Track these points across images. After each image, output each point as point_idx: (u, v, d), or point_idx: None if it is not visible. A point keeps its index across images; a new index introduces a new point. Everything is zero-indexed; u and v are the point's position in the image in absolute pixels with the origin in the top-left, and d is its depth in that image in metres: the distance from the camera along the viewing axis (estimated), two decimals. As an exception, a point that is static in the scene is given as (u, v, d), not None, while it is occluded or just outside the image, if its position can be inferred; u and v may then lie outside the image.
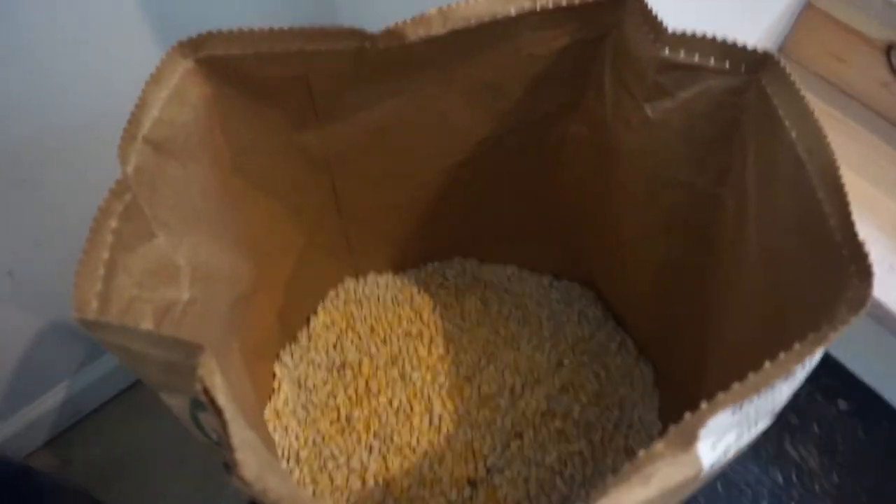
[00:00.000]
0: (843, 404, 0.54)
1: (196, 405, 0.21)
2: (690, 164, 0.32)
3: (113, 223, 0.23)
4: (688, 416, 0.18)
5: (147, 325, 0.25)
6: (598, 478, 0.39)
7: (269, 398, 0.42)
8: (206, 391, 0.19)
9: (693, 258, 0.36)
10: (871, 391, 0.54)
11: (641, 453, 0.17)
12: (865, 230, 0.22)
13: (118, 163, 0.24)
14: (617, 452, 0.41)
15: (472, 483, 0.37)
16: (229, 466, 0.18)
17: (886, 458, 0.51)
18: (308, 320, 0.46)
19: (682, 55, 0.29)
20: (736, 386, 0.18)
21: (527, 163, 0.43)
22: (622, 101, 0.34)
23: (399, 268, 0.50)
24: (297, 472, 0.38)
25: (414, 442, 0.39)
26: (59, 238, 0.56)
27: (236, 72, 0.31)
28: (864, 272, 0.21)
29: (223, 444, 0.19)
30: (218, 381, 0.20)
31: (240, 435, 0.19)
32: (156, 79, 0.27)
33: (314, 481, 0.38)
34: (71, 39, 0.46)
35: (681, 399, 0.41)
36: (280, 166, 0.36)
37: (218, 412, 0.19)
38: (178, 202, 0.29)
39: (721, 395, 0.18)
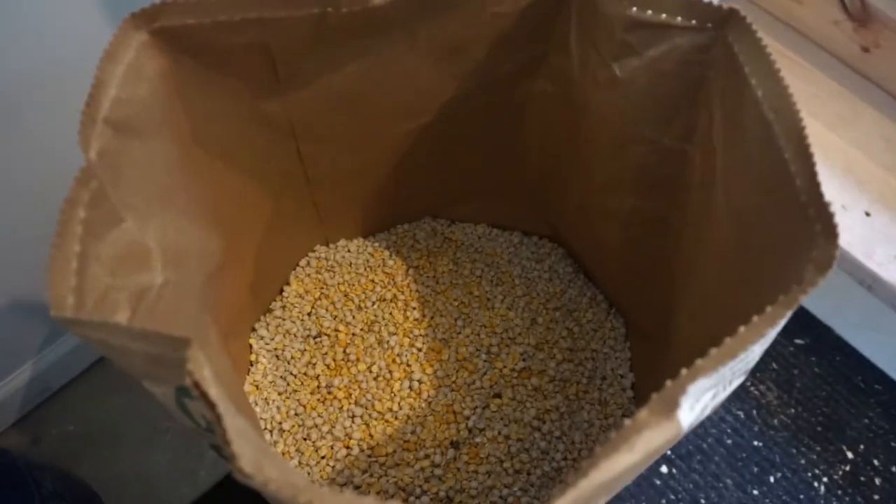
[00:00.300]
0: (798, 341, 0.57)
1: (182, 392, 0.21)
2: (657, 121, 0.33)
3: (81, 213, 0.22)
4: (669, 384, 0.19)
5: (124, 314, 0.25)
6: (575, 431, 0.41)
7: (248, 372, 0.41)
8: (196, 385, 0.19)
9: (660, 213, 0.36)
10: (824, 326, 0.57)
11: (627, 423, 0.18)
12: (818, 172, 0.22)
13: (80, 150, 0.23)
14: (592, 405, 0.42)
15: (455, 444, 0.38)
16: (219, 450, 0.18)
17: (838, 387, 0.54)
18: (281, 291, 0.46)
19: (649, 13, 0.29)
20: (713, 351, 0.19)
21: (493, 121, 0.42)
22: (589, 58, 0.34)
23: (369, 232, 0.49)
24: (280, 444, 0.38)
25: (395, 407, 0.40)
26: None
27: (193, 42, 0.29)
28: (829, 232, 0.21)
29: (215, 432, 0.19)
30: (208, 374, 0.19)
31: (233, 426, 0.19)
32: (110, 55, 0.26)
33: (298, 451, 0.38)
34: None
35: (651, 350, 0.42)
36: (243, 136, 0.35)
37: (211, 406, 0.18)
38: (143, 182, 0.28)
39: (700, 362, 0.19)
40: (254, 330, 0.43)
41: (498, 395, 0.41)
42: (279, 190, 0.40)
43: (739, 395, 0.53)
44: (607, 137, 0.35)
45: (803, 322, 0.57)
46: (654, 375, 0.41)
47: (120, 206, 0.26)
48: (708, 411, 0.23)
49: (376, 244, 0.49)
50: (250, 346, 0.43)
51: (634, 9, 0.29)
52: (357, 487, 0.37)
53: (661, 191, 0.35)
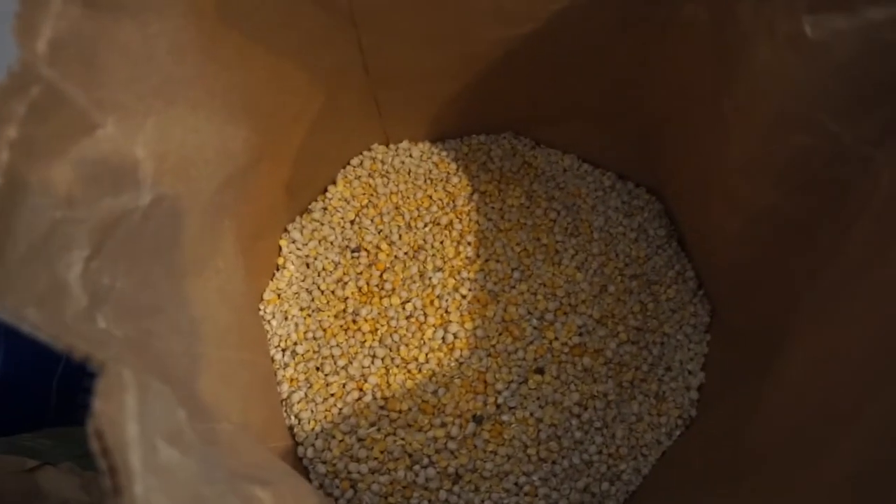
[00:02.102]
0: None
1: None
2: (845, 110, 0.23)
3: (11, 133, 0.16)
4: None
5: (81, 252, 0.19)
6: (619, 424, 0.35)
7: (272, 278, 0.37)
8: (98, 437, 0.13)
9: (806, 223, 0.27)
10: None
11: None
12: None
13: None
14: (646, 397, 0.36)
15: (478, 418, 0.34)
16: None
17: None
18: (325, 190, 0.40)
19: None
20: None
21: (617, 43, 0.33)
22: (771, -3, 0.23)
23: (438, 136, 0.42)
24: (290, 369, 0.35)
25: (422, 358, 0.35)
26: None
27: None
28: None
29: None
30: (131, 403, 0.14)
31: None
32: None
33: (308, 381, 0.34)
34: None
35: (737, 359, 0.35)
36: (289, 18, 0.27)
37: (111, 471, 0.13)
38: (137, 73, 0.22)
39: None
40: (286, 230, 0.38)
41: (540, 371, 0.35)
42: (331, 82, 0.33)
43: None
44: (765, 111, 0.26)
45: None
46: (729, 388, 0.35)
47: (94, 110, 0.20)
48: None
49: (444, 153, 0.41)
50: (280, 248, 0.38)
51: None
52: (360, 440, 0.33)
53: (818, 198, 0.26)
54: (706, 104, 0.30)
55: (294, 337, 0.36)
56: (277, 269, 0.37)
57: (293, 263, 0.37)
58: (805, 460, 0.26)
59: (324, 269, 0.38)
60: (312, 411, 0.33)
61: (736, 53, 0.26)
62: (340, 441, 0.33)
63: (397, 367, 0.35)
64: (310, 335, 0.36)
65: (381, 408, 0.34)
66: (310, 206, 0.39)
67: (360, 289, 0.37)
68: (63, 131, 0.18)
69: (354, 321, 0.36)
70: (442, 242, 0.38)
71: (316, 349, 0.35)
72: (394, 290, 0.37)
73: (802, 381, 0.27)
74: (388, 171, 0.40)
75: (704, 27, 0.28)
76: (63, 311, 0.18)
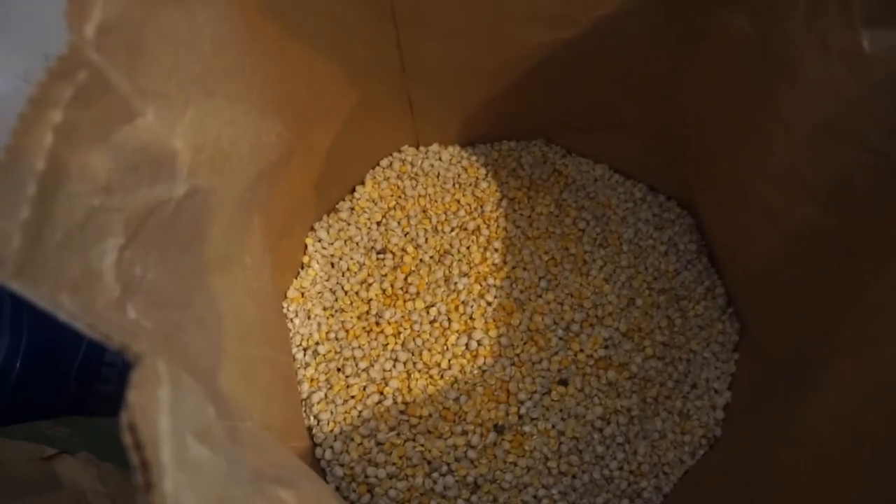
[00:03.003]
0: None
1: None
2: (894, 128, 0.22)
3: (55, 117, 0.16)
4: None
5: (116, 240, 0.19)
6: (641, 440, 0.35)
7: (297, 275, 0.37)
8: (132, 430, 0.13)
9: (843, 241, 0.27)
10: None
11: None
12: None
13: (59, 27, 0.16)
14: (670, 414, 0.36)
15: (499, 428, 0.33)
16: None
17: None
18: (353, 190, 0.39)
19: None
20: None
21: (655, 50, 0.32)
22: (826, 9, 0.23)
23: (469, 140, 0.42)
24: (311, 369, 0.34)
25: (445, 364, 0.34)
26: None
27: None
28: None
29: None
30: (164, 397, 0.14)
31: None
32: None
33: (328, 382, 0.34)
34: None
35: (765, 379, 0.34)
36: (328, 10, 0.27)
37: (143, 465, 0.13)
38: (180, 62, 0.21)
39: None
40: (312, 229, 0.38)
41: (564, 383, 0.34)
42: (367, 78, 0.32)
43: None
44: (810, 125, 0.25)
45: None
46: (756, 409, 0.34)
47: (136, 98, 0.19)
48: None
49: (473, 157, 0.41)
50: (305, 246, 0.37)
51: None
52: (379, 444, 0.33)
53: (859, 216, 0.25)
54: (745, 117, 0.30)
55: (316, 336, 0.35)
56: (302, 268, 0.37)
57: (318, 262, 0.37)
58: (840, 486, 0.25)
59: (348, 269, 0.37)
60: (332, 412, 0.33)
61: (783, 66, 0.26)
62: (359, 444, 0.32)
63: (419, 371, 0.34)
64: (332, 335, 0.35)
65: (402, 412, 0.33)
66: (337, 206, 0.39)
67: (384, 291, 0.37)
68: (105, 118, 0.18)
69: (377, 323, 0.35)
70: (469, 248, 0.38)
71: (338, 350, 0.35)
72: (418, 293, 0.36)
73: (840, 406, 0.26)
74: (416, 174, 0.40)
75: (749, 39, 0.28)
76: (95, 300, 0.18)
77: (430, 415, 0.33)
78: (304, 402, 0.34)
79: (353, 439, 0.33)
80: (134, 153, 0.20)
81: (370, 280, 0.37)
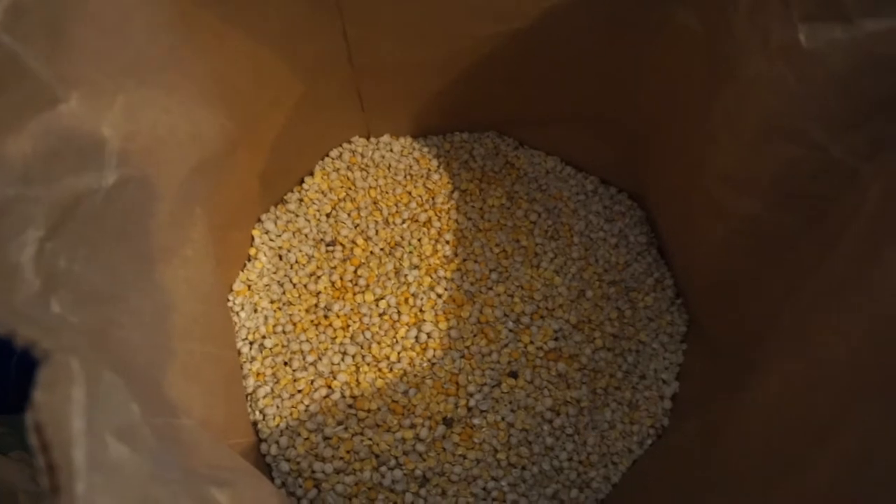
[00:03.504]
0: None
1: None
2: (835, 123, 0.23)
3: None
4: None
5: (35, 232, 0.18)
6: (591, 431, 0.35)
7: (243, 268, 0.36)
8: (38, 430, 0.12)
9: (788, 234, 0.27)
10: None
11: None
12: None
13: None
14: (619, 405, 0.36)
15: (448, 421, 0.33)
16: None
17: None
18: (301, 181, 0.39)
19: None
20: None
21: (608, 44, 0.32)
22: (767, 4, 0.23)
23: (421, 132, 0.41)
24: (257, 363, 0.33)
25: (394, 357, 0.34)
26: None
27: None
28: None
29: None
30: (77, 397, 0.13)
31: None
32: None
33: (274, 377, 0.33)
34: None
35: (712, 365, 0.35)
36: (270, 2, 0.26)
37: (49, 467, 0.12)
38: (108, 48, 0.21)
39: None
40: (260, 220, 0.37)
41: (514, 375, 0.34)
42: (314, 70, 0.32)
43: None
44: (754, 120, 0.26)
45: None
46: (703, 399, 0.34)
47: (57, 84, 0.18)
48: None
49: (425, 149, 0.41)
50: (252, 238, 0.37)
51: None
52: (327, 438, 0.32)
53: (802, 210, 0.26)
54: (694, 111, 0.30)
55: (263, 330, 0.34)
56: (249, 260, 0.36)
57: (265, 255, 0.36)
58: (780, 476, 0.25)
59: (297, 261, 0.37)
60: (278, 407, 0.32)
61: (728, 61, 0.26)
62: (306, 439, 0.32)
63: (368, 365, 0.34)
64: (279, 329, 0.35)
65: (350, 406, 0.33)
66: (285, 197, 0.38)
67: (333, 284, 0.36)
68: (22, 104, 0.17)
69: (326, 316, 0.35)
70: (420, 240, 0.37)
71: (285, 343, 0.34)
72: (368, 286, 0.36)
73: (780, 396, 0.26)
74: (367, 165, 0.39)
75: (697, 33, 0.28)
76: (13, 295, 0.17)
77: (379, 408, 0.33)
78: (249, 397, 0.33)
79: (299, 434, 0.32)
80: (56, 140, 0.19)
81: (319, 272, 0.36)
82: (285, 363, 0.34)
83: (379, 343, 0.34)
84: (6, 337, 0.13)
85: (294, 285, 0.36)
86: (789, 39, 0.22)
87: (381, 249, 0.37)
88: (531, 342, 0.35)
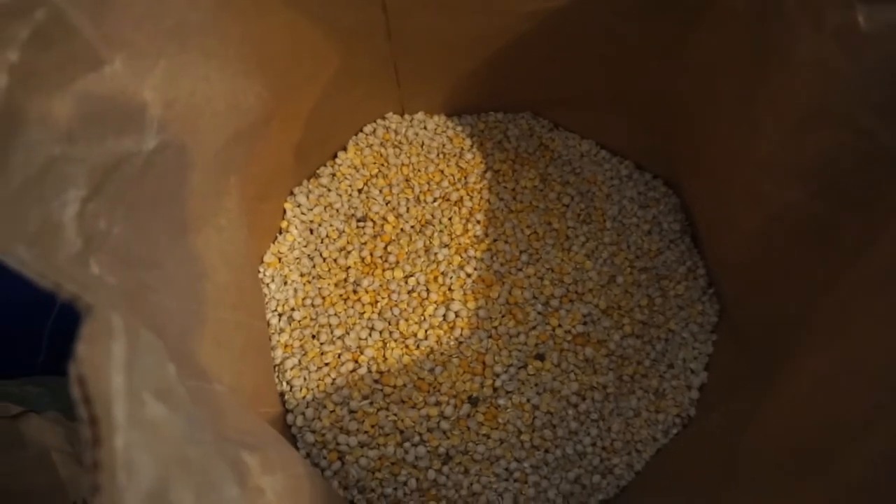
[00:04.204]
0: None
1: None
2: (887, 107, 0.22)
3: (10, 56, 0.15)
4: None
5: (78, 192, 0.18)
6: (616, 418, 0.35)
7: (274, 241, 0.36)
8: (82, 385, 0.12)
9: (829, 224, 0.26)
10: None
11: None
12: None
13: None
14: (646, 393, 0.36)
15: (473, 400, 0.33)
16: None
17: None
18: (334, 156, 0.39)
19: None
20: None
21: (648, 25, 0.32)
22: (821, -16, 0.22)
23: (455, 110, 0.41)
24: (286, 334, 0.34)
25: (421, 335, 0.34)
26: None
27: None
28: None
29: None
30: (118, 354, 0.13)
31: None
32: None
33: (302, 349, 0.34)
34: None
35: (742, 357, 0.34)
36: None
37: (93, 420, 0.13)
38: (151, 11, 0.21)
39: None
40: (292, 193, 0.37)
41: (540, 358, 0.34)
42: (350, 43, 0.32)
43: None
44: (800, 105, 0.25)
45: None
46: (732, 391, 0.34)
47: (102, 45, 0.19)
48: None
49: (459, 128, 0.40)
50: (284, 210, 0.37)
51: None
52: (352, 412, 0.32)
53: (845, 199, 0.25)
54: (736, 96, 0.29)
55: (292, 302, 0.35)
56: (280, 233, 0.36)
57: (297, 228, 0.37)
58: (808, 473, 0.25)
59: (327, 236, 0.37)
60: (305, 379, 0.33)
61: (776, 44, 0.25)
62: (331, 412, 0.32)
63: (395, 341, 0.34)
64: (308, 302, 0.35)
65: (376, 381, 0.33)
66: (318, 171, 0.38)
67: (363, 259, 0.36)
68: (67, 63, 0.17)
69: (355, 291, 0.35)
70: (450, 219, 0.37)
71: (313, 316, 0.34)
72: (397, 263, 0.36)
73: (811, 391, 0.26)
74: (401, 142, 0.39)
75: (743, 15, 0.27)
76: (55, 253, 0.17)
77: (405, 385, 0.33)
78: (276, 368, 0.33)
79: (325, 406, 0.32)
80: (99, 102, 0.19)
81: (349, 248, 0.36)
82: (313, 336, 0.34)
83: (407, 320, 0.34)
84: (51, 290, 0.13)
85: (324, 259, 0.36)
86: (846, 20, 0.21)
87: (412, 227, 0.37)
88: (559, 325, 0.35)
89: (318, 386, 0.33)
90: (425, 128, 0.40)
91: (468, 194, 0.38)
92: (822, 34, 0.23)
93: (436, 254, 0.36)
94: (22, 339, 0.39)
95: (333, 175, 0.38)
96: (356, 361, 0.33)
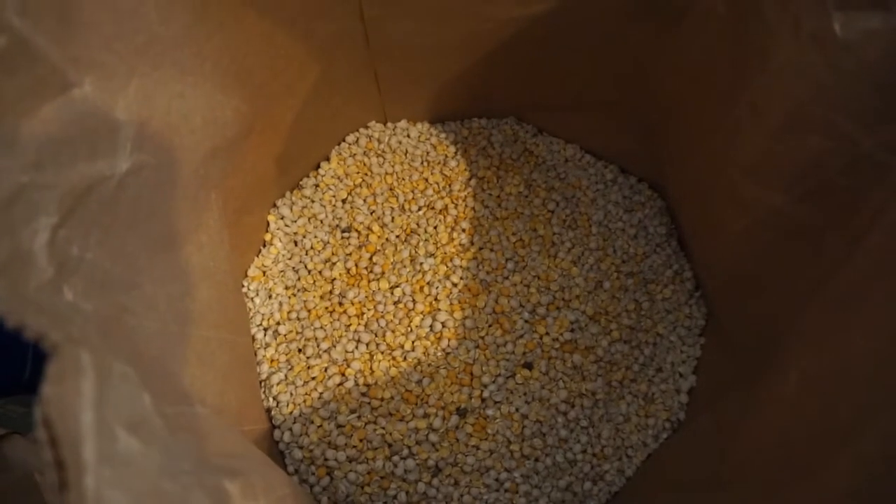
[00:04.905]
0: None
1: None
2: (867, 114, 0.22)
3: (-29, 86, 0.15)
4: None
5: (48, 219, 0.18)
6: (605, 424, 0.35)
7: (258, 254, 0.36)
8: (47, 424, 0.12)
9: (814, 228, 0.26)
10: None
11: None
12: None
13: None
14: (635, 398, 0.35)
15: (462, 411, 0.33)
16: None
17: None
18: (317, 167, 0.38)
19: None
20: None
21: (630, 29, 0.32)
22: (799, -10, 0.22)
23: (438, 118, 0.41)
24: (271, 350, 0.33)
25: (408, 346, 0.34)
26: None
27: None
28: None
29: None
30: (88, 390, 0.13)
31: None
32: None
33: (288, 363, 0.33)
34: None
35: (730, 360, 0.34)
36: (289, -17, 0.26)
37: (58, 463, 0.12)
38: (121, 30, 0.20)
39: None
40: (275, 206, 0.37)
41: (528, 366, 0.34)
42: (330, 51, 0.31)
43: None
44: (782, 110, 0.25)
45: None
46: (721, 394, 0.34)
47: (69, 68, 0.18)
48: None
49: (443, 135, 0.40)
50: (267, 223, 0.36)
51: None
52: (340, 426, 0.32)
53: (829, 204, 0.25)
54: (719, 100, 0.29)
55: (277, 316, 0.34)
56: (264, 246, 0.36)
57: (280, 240, 0.36)
58: (796, 477, 0.25)
59: (312, 247, 0.36)
60: (292, 394, 0.32)
61: (756, 49, 0.25)
62: (319, 426, 0.32)
63: (382, 353, 0.34)
64: (293, 315, 0.34)
65: (363, 395, 0.33)
66: (301, 182, 0.38)
67: (348, 270, 0.36)
68: (34, 88, 0.17)
69: (340, 303, 0.35)
70: (436, 227, 0.37)
71: (299, 330, 0.34)
72: (383, 273, 0.36)
73: (799, 395, 0.26)
74: (384, 151, 0.39)
75: (725, 19, 0.27)
76: (26, 282, 0.17)
77: (392, 397, 0.33)
78: (262, 384, 0.33)
79: (312, 421, 0.32)
80: (69, 126, 0.19)
81: (334, 259, 0.36)
82: (299, 350, 0.34)
83: (393, 331, 0.34)
84: (16, 329, 0.13)
85: (309, 271, 0.36)
86: (823, 27, 0.21)
87: (397, 236, 0.37)
88: (547, 333, 0.35)
89: (304, 401, 0.32)
90: (409, 136, 0.40)
91: (453, 202, 0.38)
92: (800, 40, 0.22)
93: (421, 263, 0.36)
94: (5, 358, 0.39)
95: (317, 186, 0.38)
96: (343, 375, 0.33)
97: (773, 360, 0.29)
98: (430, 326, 0.34)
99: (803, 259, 0.28)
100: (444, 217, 0.37)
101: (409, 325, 0.34)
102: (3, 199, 0.17)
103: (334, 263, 0.36)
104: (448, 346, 0.34)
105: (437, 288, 0.35)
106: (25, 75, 0.17)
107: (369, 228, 0.37)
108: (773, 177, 0.27)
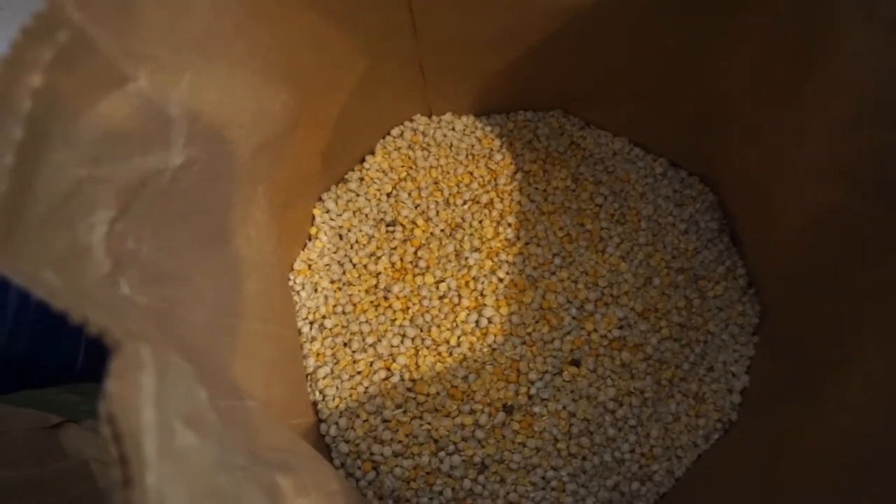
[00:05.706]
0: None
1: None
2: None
3: (34, 81, 0.15)
4: None
5: (106, 213, 0.18)
6: (654, 423, 0.34)
7: (303, 248, 0.36)
8: (111, 421, 0.12)
9: (876, 225, 0.25)
10: None
11: None
12: None
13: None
14: (685, 397, 0.35)
15: (508, 408, 0.32)
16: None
17: None
18: (362, 160, 0.38)
19: None
20: None
21: (685, 19, 0.31)
22: (872, -27, 0.21)
23: (483, 110, 0.40)
24: (317, 343, 0.33)
25: (454, 341, 0.33)
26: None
27: None
28: None
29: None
30: (148, 386, 0.13)
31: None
32: None
33: (334, 357, 0.33)
34: None
35: (786, 361, 0.33)
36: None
37: (122, 460, 0.12)
38: (175, 24, 0.20)
39: None
40: (320, 199, 0.37)
41: (576, 363, 0.33)
42: (376, 45, 0.31)
43: None
44: (850, 102, 0.24)
45: None
46: (776, 396, 0.33)
47: (126, 61, 0.18)
48: None
49: (488, 128, 0.40)
50: (313, 217, 0.36)
51: None
52: (385, 421, 0.32)
53: (895, 200, 0.24)
54: (780, 92, 0.28)
55: (323, 310, 0.34)
56: (309, 239, 0.36)
57: (326, 234, 0.36)
58: (861, 480, 0.24)
59: (357, 241, 0.36)
60: (338, 388, 0.32)
61: (823, 39, 0.24)
62: (365, 421, 0.32)
63: (427, 348, 0.33)
64: (339, 309, 0.34)
65: (409, 390, 0.33)
66: (346, 176, 0.38)
67: (393, 264, 0.36)
68: (91, 83, 0.17)
69: (386, 298, 0.35)
70: (481, 222, 0.37)
71: (345, 324, 0.34)
72: (428, 268, 0.35)
73: (864, 405, 0.25)
74: (429, 144, 0.39)
75: (789, 8, 0.26)
76: (84, 276, 0.17)
77: (438, 393, 0.32)
78: (309, 377, 0.33)
79: (358, 416, 0.32)
80: (125, 120, 0.19)
81: (379, 253, 0.36)
82: (345, 344, 0.34)
83: (439, 326, 0.34)
84: (79, 324, 0.13)
85: (354, 265, 0.36)
86: (899, 12, 0.20)
87: (442, 231, 0.36)
88: (595, 330, 0.34)
89: (350, 395, 0.32)
90: (453, 129, 0.39)
91: (498, 196, 0.37)
92: (873, 26, 0.21)
93: (467, 258, 0.35)
94: (62, 346, 0.40)
95: (362, 179, 0.38)
96: (388, 369, 0.33)
97: (834, 362, 0.28)
98: (476, 322, 0.34)
99: (868, 259, 0.27)
100: (490, 211, 0.37)
101: (454, 321, 0.34)
102: (62, 193, 0.17)
103: (379, 257, 0.36)
104: (494, 341, 0.33)
105: (482, 283, 0.35)
106: (84, 70, 0.17)
107: (414, 222, 0.37)
108: (837, 171, 0.26)
